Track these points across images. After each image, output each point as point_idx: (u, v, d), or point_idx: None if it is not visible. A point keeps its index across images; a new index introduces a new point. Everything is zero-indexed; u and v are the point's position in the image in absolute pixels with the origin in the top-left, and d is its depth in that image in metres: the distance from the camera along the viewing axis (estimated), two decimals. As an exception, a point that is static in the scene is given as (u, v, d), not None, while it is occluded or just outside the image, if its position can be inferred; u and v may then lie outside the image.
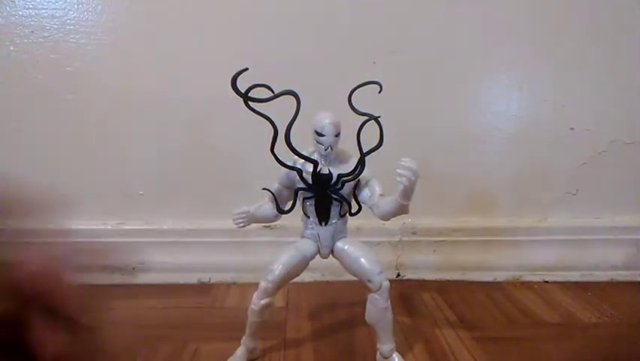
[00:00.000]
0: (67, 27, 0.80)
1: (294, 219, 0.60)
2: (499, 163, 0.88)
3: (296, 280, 0.58)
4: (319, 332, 0.67)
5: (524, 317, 0.73)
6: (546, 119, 0.87)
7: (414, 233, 0.88)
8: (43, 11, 0.80)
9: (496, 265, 0.88)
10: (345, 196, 0.55)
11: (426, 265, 0.88)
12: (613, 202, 0.89)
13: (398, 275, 0.88)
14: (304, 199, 0.56)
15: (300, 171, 0.53)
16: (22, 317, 0.28)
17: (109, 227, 0.86)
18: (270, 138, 0.50)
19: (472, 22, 0.83)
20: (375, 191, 0.55)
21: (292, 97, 0.48)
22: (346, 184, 0.54)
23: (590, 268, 0.88)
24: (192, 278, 0.86)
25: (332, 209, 0.56)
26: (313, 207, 0.56)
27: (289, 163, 0.54)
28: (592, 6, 0.83)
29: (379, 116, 0.50)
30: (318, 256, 0.58)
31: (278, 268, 0.55)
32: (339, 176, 0.53)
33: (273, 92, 0.49)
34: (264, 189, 0.57)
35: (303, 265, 0.57)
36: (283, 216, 0.58)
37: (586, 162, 0.88)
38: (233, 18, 0.81)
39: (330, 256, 0.59)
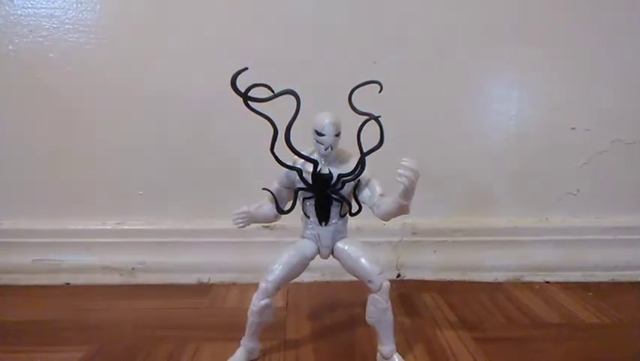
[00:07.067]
0: (66, 26, 0.80)
1: (294, 219, 0.60)
2: (499, 163, 0.88)
3: (296, 280, 0.58)
4: (319, 332, 0.67)
5: (525, 317, 0.73)
6: (546, 119, 0.86)
7: (414, 233, 0.87)
8: (42, 10, 0.80)
9: (497, 265, 0.87)
10: (345, 196, 0.55)
11: (426, 265, 0.88)
12: (613, 202, 0.89)
13: (398, 275, 0.88)
14: (304, 199, 0.56)
15: (300, 171, 0.53)
16: None
17: (109, 227, 0.86)
18: (270, 138, 0.50)
19: (472, 22, 0.83)
20: (375, 191, 0.55)
21: (292, 97, 0.48)
22: (346, 184, 0.54)
23: (590, 268, 0.88)
24: (192, 278, 0.86)
25: (332, 209, 0.56)
26: (313, 208, 0.56)
27: (289, 163, 0.53)
28: (592, 5, 0.83)
29: (379, 116, 0.50)
30: (318, 256, 0.58)
31: (278, 269, 0.54)
32: (340, 176, 0.53)
33: (272, 91, 0.49)
34: (263, 189, 0.57)
35: (303, 265, 0.57)
36: (283, 216, 0.58)
37: (586, 162, 0.88)
38: (233, 18, 0.81)
39: (330, 256, 0.59)
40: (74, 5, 0.80)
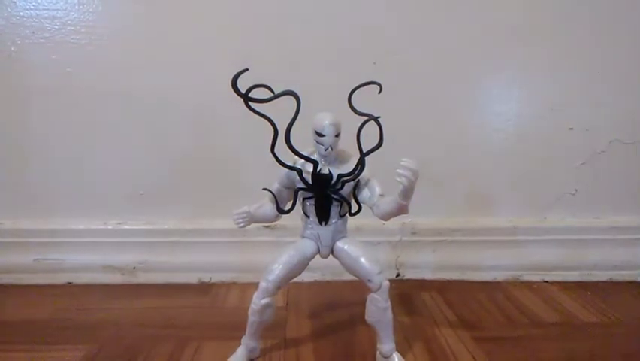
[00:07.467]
0: (68, 28, 0.80)
1: (294, 219, 0.60)
2: (498, 163, 0.88)
3: (296, 280, 0.58)
4: (319, 331, 0.67)
5: (524, 316, 0.73)
6: (545, 119, 0.87)
7: (414, 233, 0.88)
8: (44, 12, 0.80)
9: (496, 264, 0.88)
10: (345, 196, 0.56)
11: (425, 264, 0.88)
12: (612, 202, 0.89)
13: (398, 275, 0.88)
14: (304, 199, 0.57)
15: (300, 171, 0.54)
16: None
17: (110, 227, 0.86)
18: (271, 139, 0.50)
19: (471, 23, 0.83)
20: (375, 191, 0.55)
21: (292, 97, 0.48)
22: (346, 184, 0.55)
23: (589, 267, 0.88)
24: (192, 278, 0.86)
25: (332, 209, 0.56)
26: (313, 207, 0.56)
27: (289, 163, 0.54)
28: (591, 6, 0.83)
29: (379, 117, 0.50)
30: (318, 256, 0.59)
31: (278, 268, 0.55)
32: (339, 176, 0.54)
33: (273, 92, 0.49)
34: (264, 189, 0.57)
35: (303, 265, 0.57)
36: (283, 216, 0.58)
37: (585, 162, 0.88)
38: (233, 18, 0.82)
39: (330, 255, 0.59)
40: (76, 7, 0.80)
